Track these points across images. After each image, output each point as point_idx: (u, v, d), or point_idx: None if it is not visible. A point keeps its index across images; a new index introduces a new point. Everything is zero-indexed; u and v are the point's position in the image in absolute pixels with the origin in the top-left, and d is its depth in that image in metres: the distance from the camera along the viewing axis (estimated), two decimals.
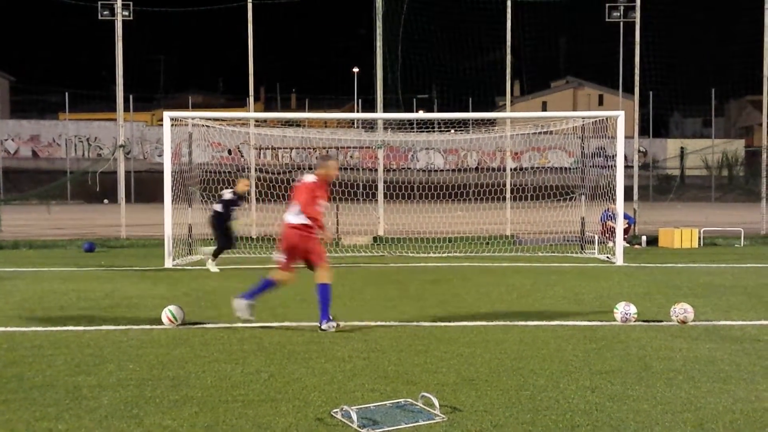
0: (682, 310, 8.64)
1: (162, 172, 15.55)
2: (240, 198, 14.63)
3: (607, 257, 16.14)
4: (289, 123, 24.70)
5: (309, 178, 8.36)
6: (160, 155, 24.70)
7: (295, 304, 10.01)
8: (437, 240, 18.85)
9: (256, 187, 20.30)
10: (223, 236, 14.35)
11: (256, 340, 7.74)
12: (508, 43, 21.52)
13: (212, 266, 14.21)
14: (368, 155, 38.42)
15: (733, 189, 54.97)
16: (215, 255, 14.37)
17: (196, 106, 56.38)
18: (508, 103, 23.56)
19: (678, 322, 8.59)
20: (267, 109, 59.93)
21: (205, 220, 15.28)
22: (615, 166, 15.79)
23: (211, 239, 15.11)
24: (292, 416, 5.26)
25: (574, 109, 58.16)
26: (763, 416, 5.32)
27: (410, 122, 20.80)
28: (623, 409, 5.45)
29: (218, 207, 14.38)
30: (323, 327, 8.13)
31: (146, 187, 42.75)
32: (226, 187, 15.26)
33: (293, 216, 8.27)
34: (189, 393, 5.82)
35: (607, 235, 17.90)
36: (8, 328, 8.34)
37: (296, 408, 5.44)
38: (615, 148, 15.79)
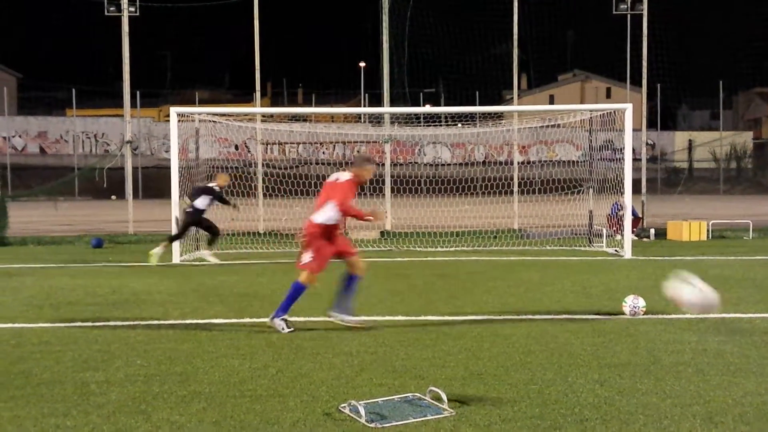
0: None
1: (169, 168, 15.58)
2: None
3: (616, 250, 16.09)
4: (295, 118, 24.70)
5: (344, 176, 7.95)
6: (167, 151, 24.68)
7: (303, 299, 9.99)
8: (445, 234, 18.82)
9: (263, 182, 20.31)
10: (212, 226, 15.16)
11: (263, 335, 7.73)
12: (515, 37, 21.44)
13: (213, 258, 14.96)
14: (375, 150, 38.37)
15: (741, 181, 54.81)
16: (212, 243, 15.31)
17: (203, 102, 56.39)
18: (515, 96, 23.52)
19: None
20: (274, 105, 59.98)
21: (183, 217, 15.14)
22: (623, 158, 15.74)
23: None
24: (300, 411, 5.26)
25: (582, 102, 57.95)
26: None
27: (417, 116, 20.80)
28: (632, 402, 5.43)
29: (204, 203, 14.67)
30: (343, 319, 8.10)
31: (154, 183, 42.92)
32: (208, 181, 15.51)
33: (323, 214, 7.84)
34: (197, 388, 5.82)
35: (615, 228, 17.84)
36: (16, 325, 8.36)
37: (304, 403, 5.44)
38: (623, 141, 15.72)
